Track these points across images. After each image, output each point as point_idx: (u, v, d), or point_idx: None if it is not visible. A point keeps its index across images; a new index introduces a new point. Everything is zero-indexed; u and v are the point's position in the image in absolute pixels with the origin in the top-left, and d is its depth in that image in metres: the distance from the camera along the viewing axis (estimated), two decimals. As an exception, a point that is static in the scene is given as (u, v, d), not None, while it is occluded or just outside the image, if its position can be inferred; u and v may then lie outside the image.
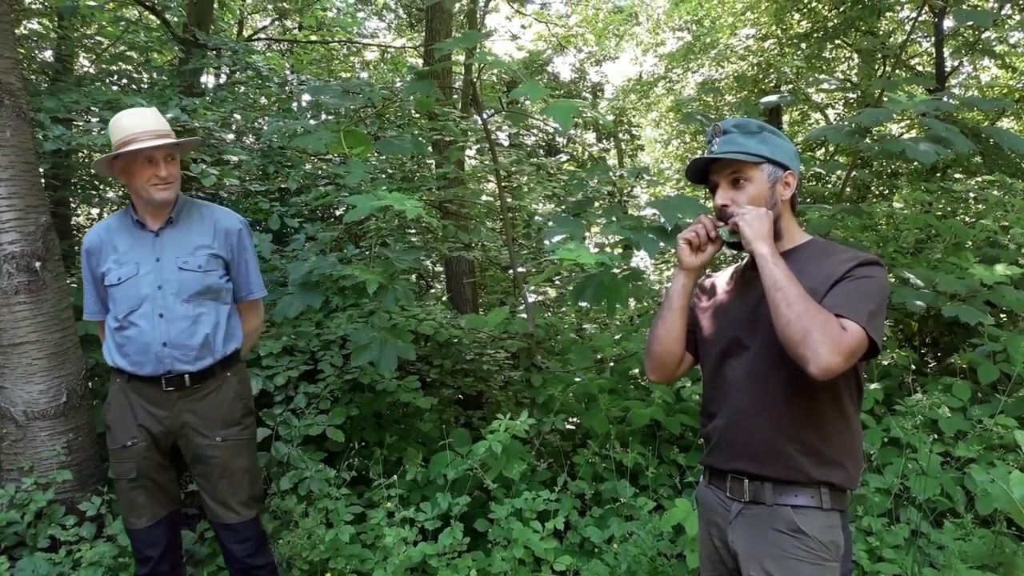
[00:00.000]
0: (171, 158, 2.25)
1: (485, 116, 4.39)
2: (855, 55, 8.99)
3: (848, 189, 5.82)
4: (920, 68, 8.97)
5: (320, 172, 5.43)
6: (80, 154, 4.89)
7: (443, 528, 2.73)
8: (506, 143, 10.96)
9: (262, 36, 10.29)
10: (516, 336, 4.48)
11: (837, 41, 8.26)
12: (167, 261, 2.25)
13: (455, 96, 6.86)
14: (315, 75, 8.81)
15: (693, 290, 1.73)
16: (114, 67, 6.05)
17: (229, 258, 2.36)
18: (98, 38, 6.30)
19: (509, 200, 5.96)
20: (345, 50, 10.21)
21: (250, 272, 2.43)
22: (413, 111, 5.61)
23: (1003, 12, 6.88)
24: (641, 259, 4.60)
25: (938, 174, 6.90)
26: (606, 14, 13.38)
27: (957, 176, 6.75)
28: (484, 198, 6.59)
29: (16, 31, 3.43)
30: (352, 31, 10.21)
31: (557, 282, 7.02)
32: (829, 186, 6.79)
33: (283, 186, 5.03)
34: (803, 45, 8.28)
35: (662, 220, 2.90)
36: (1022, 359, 3.30)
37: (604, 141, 15.79)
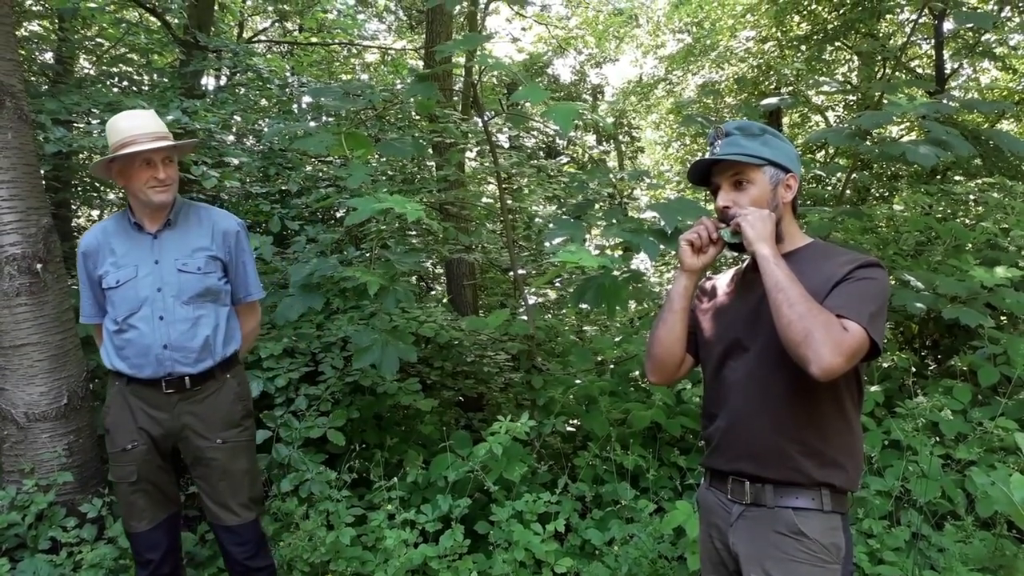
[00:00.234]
0: (169, 160, 2.24)
1: (486, 118, 4.39)
2: (855, 57, 8.99)
3: (848, 191, 5.81)
4: (920, 70, 8.96)
5: (321, 174, 5.43)
6: (81, 156, 4.89)
7: (444, 530, 2.74)
8: (506, 145, 10.96)
9: (262, 38, 10.32)
10: (517, 338, 4.48)
11: (837, 43, 8.25)
12: (166, 263, 2.24)
13: (456, 98, 6.87)
14: (315, 77, 8.81)
15: (694, 292, 1.72)
16: (115, 69, 6.06)
17: (227, 260, 2.35)
18: (99, 40, 6.31)
19: (509, 202, 5.95)
20: (345, 52, 10.21)
21: (248, 274, 2.43)
22: (414, 113, 5.60)
23: (1003, 14, 6.87)
24: (642, 261, 4.59)
25: (938, 176, 6.89)
26: (606, 16, 13.38)
27: (957, 178, 6.74)
28: (485, 200, 6.58)
29: (17, 33, 3.43)
30: (352, 33, 10.21)
31: (558, 284, 7.03)
32: (829, 188, 6.78)
33: (284, 188, 5.03)
34: (803, 47, 8.28)
35: (662, 223, 2.91)
36: (1022, 361, 3.30)
37: (604, 143, 15.78)
